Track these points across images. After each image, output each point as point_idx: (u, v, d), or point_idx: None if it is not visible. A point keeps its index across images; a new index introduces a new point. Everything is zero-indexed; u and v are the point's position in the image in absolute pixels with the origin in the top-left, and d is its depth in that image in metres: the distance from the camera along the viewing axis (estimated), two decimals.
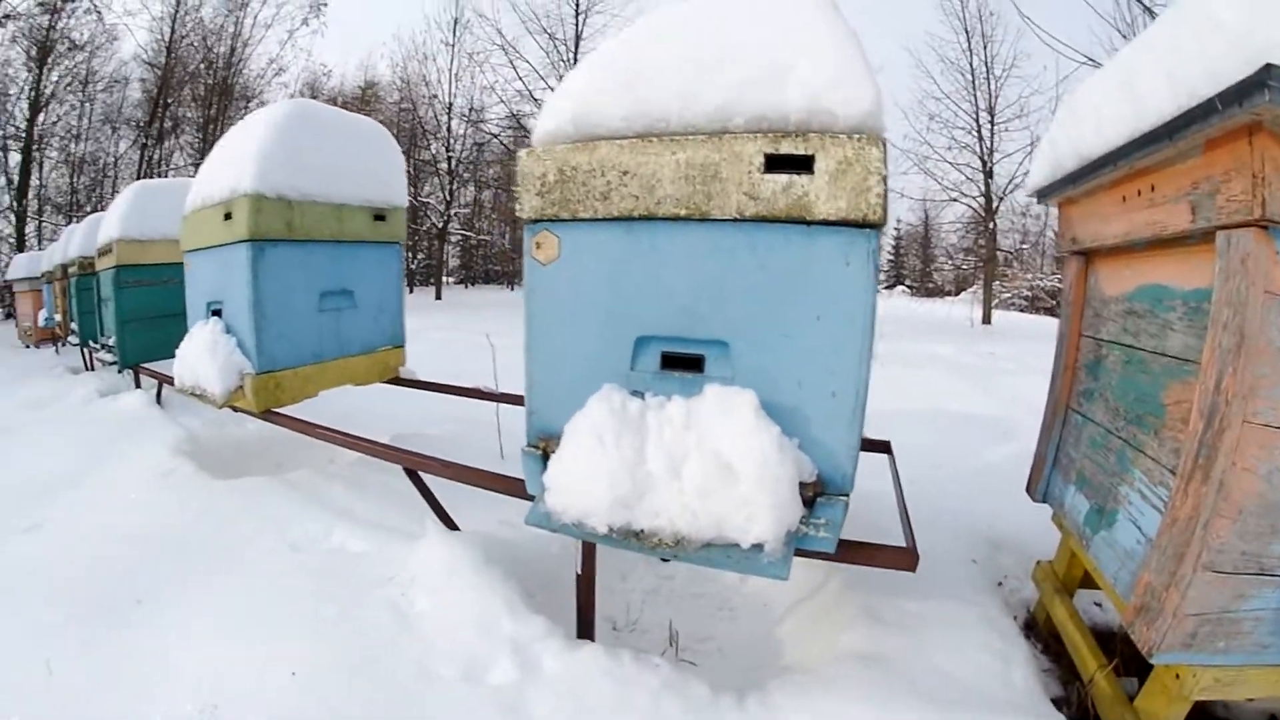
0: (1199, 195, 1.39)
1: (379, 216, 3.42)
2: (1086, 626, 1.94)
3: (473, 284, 34.77)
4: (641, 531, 1.56)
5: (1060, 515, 2.09)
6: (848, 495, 1.55)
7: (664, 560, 1.67)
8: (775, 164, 1.48)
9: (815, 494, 1.53)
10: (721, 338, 1.59)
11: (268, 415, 3.09)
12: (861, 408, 1.52)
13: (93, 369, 7.31)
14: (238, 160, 2.97)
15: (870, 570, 2.03)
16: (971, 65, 18.17)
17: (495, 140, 24.85)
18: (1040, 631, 2.20)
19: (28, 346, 11.24)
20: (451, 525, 2.52)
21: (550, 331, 1.75)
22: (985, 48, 18.00)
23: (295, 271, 3.05)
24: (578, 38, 20.54)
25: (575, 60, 20.37)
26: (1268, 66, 1.11)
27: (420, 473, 2.49)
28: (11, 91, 19.51)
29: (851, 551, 1.65)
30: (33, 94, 19.37)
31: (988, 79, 17.97)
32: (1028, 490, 2.29)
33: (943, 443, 4.19)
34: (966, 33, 18.22)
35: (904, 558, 1.65)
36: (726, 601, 2.48)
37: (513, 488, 2.11)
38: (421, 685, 1.80)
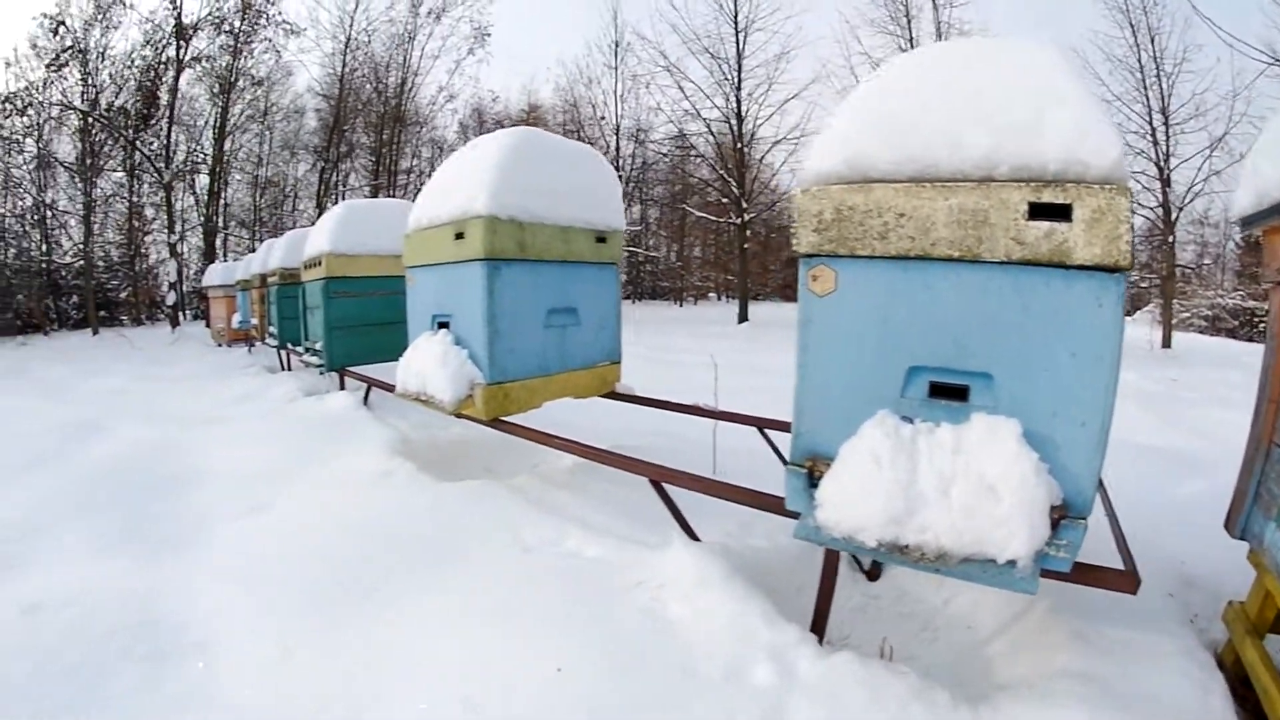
0: None
1: (600, 238, 3.57)
2: (1278, 670, 1.88)
3: (640, 300, 35.26)
4: (907, 546, 1.67)
5: (1259, 552, 2.02)
6: (1086, 519, 1.63)
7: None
8: (1037, 211, 1.58)
9: (1060, 516, 1.61)
10: (986, 370, 1.70)
11: (496, 423, 3.25)
12: (1105, 437, 1.61)
13: (289, 369, 7.89)
14: (469, 183, 3.15)
15: (1072, 599, 2.13)
16: (1140, 62, 16.44)
17: (663, 159, 25.21)
18: (1228, 674, 2.12)
19: (219, 345, 12.33)
20: (693, 536, 2.59)
21: (823, 359, 1.87)
22: (1153, 41, 16.27)
23: (525, 289, 3.22)
24: (739, 55, 20.46)
25: (739, 79, 20.40)
26: None
27: (664, 484, 2.58)
28: (199, 123, 21.38)
29: (1081, 573, 1.72)
30: (218, 124, 21.12)
31: (1158, 76, 16.19)
32: (1225, 526, 2.23)
33: (1128, 475, 4.03)
34: (1132, 26, 16.53)
35: (1126, 581, 1.72)
36: (930, 622, 2.50)
37: (764, 503, 2.22)
38: (686, 684, 1.89)
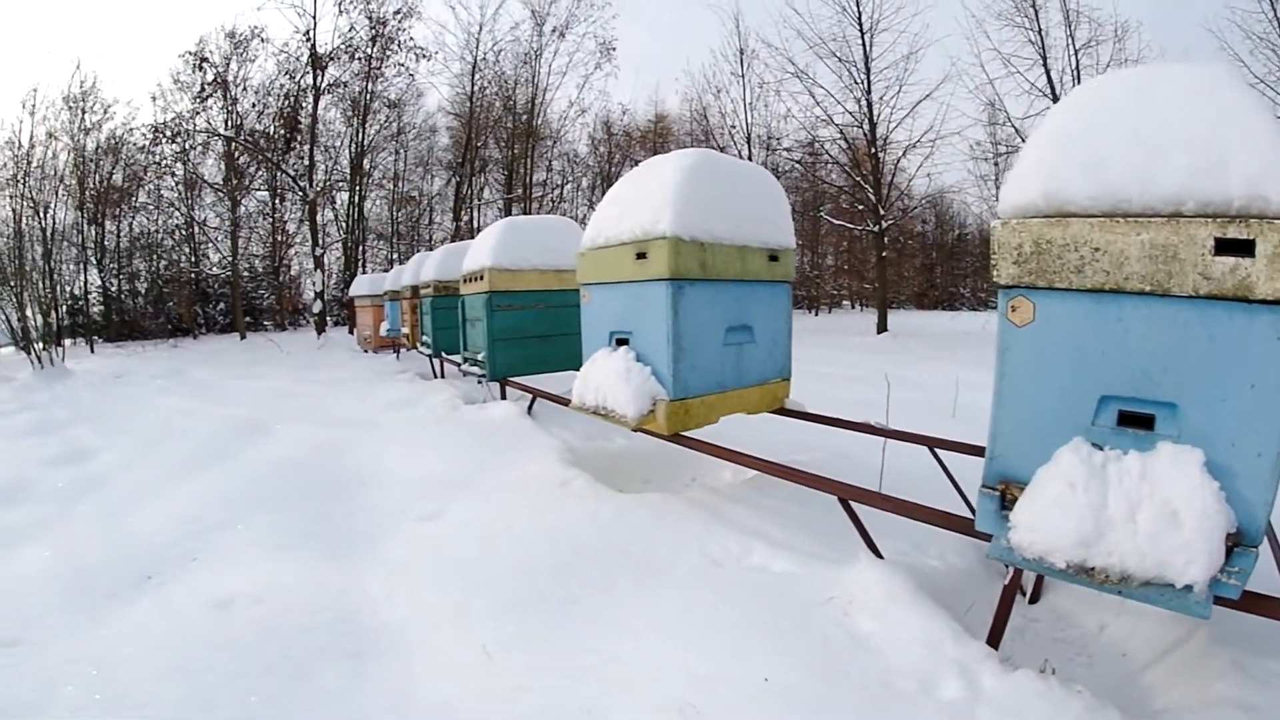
0: None
1: (773, 257, 3.65)
2: None
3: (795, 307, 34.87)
4: (1094, 569, 1.77)
5: None
6: (1258, 547, 1.69)
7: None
8: (1222, 247, 1.66)
9: (1234, 544, 1.68)
10: (1171, 400, 1.78)
11: (677, 438, 3.37)
12: None
13: (442, 376, 8.33)
14: (649, 204, 3.28)
15: (1232, 629, 2.15)
16: None
17: (796, 165, 24.97)
18: None
19: (365, 351, 13.07)
20: (878, 553, 2.66)
21: (1020, 387, 1.98)
22: None
23: (706, 308, 3.31)
24: (866, 57, 20.08)
25: (869, 82, 20.04)
26: None
27: (852, 502, 2.65)
28: (337, 145, 22.77)
29: (1249, 601, 1.77)
30: (355, 146, 22.50)
31: None
32: None
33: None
34: None
35: None
36: (1085, 647, 2.53)
37: (954, 523, 2.31)
38: (884, 696, 1.99)
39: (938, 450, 3.27)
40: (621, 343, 3.55)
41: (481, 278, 5.72)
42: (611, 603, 2.55)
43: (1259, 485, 1.68)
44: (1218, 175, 1.68)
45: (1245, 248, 1.64)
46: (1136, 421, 1.85)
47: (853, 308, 36.76)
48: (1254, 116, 1.72)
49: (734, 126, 25.07)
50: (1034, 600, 2.75)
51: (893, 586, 2.41)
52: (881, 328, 19.59)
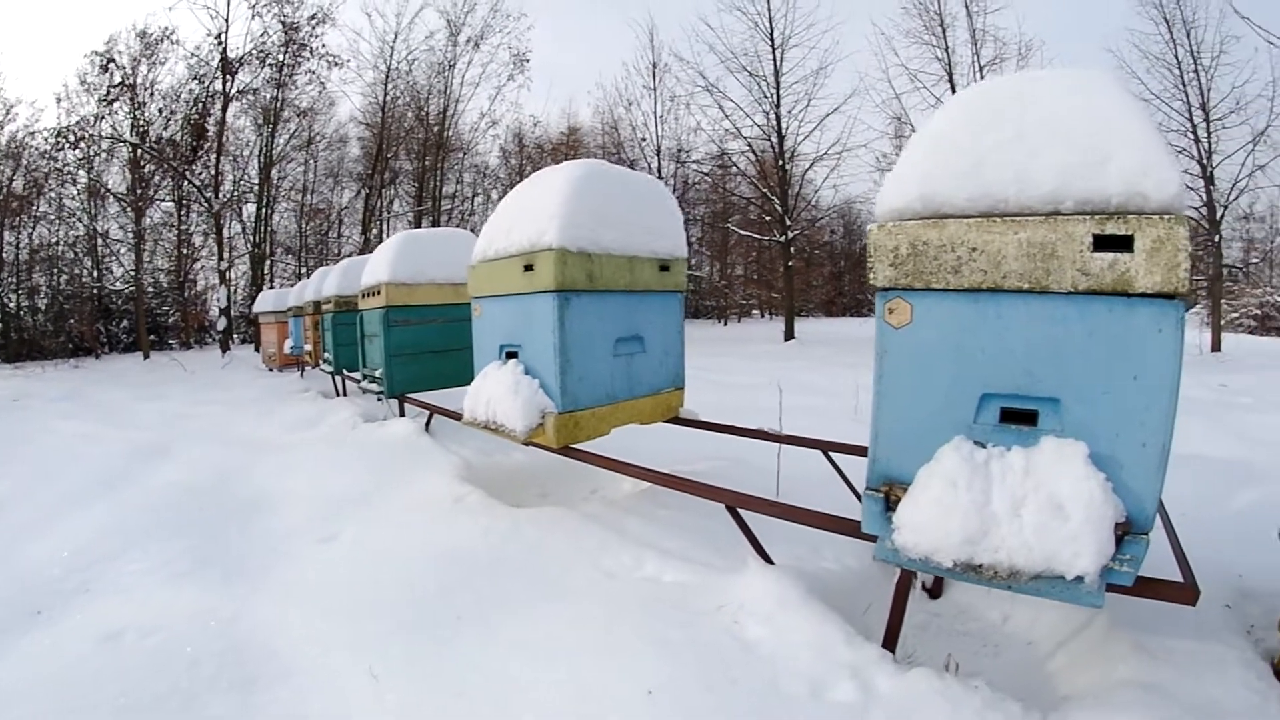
0: None
1: (664, 267, 3.64)
2: None
3: (685, 318, 35.27)
4: (981, 566, 1.76)
5: None
6: (1148, 534, 1.71)
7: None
8: (1101, 243, 1.67)
9: (1124, 533, 1.70)
10: (1054, 395, 1.78)
11: (566, 451, 3.32)
12: (1166, 457, 1.69)
13: (344, 395, 8.07)
14: (537, 215, 3.23)
15: (1131, 612, 2.19)
16: (1177, 57, 16.20)
17: (705, 178, 25.36)
18: None
19: (270, 370, 12.61)
20: (768, 559, 2.65)
21: (900, 389, 1.96)
22: (1189, 35, 16.04)
23: (594, 319, 3.29)
24: (777, 73, 20.62)
25: (778, 96, 20.56)
26: None
27: (740, 510, 2.63)
28: (244, 154, 22.00)
29: (1142, 586, 1.79)
30: (264, 155, 21.73)
31: (1196, 72, 15.99)
32: None
33: (1183, 488, 3.99)
34: (1166, 22, 16.30)
35: (1186, 593, 1.80)
36: (989, 639, 2.56)
37: (841, 527, 2.29)
38: (773, 702, 1.98)
39: (831, 454, 3.32)
40: (511, 356, 3.50)
41: (378, 292, 5.57)
42: (502, 619, 2.53)
43: (1146, 474, 1.70)
44: (1096, 174, 1.69)
45: (1124, 243, 1.65)
46: (1019, 418, 1.85)
47: (762, 316, 37.51)
48: (1132, 117, 1.74)
49: (644, 139, 25.51)
50: (935, 595, 2.78)
51: (782, 592, 2.40)
52: (789, 335, 20.02)
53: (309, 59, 21.01)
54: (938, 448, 1.87)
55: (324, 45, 21.15)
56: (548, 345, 3.19)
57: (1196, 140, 15.95)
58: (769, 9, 20.82)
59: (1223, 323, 16.61)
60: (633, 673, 2.13)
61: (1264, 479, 4.03)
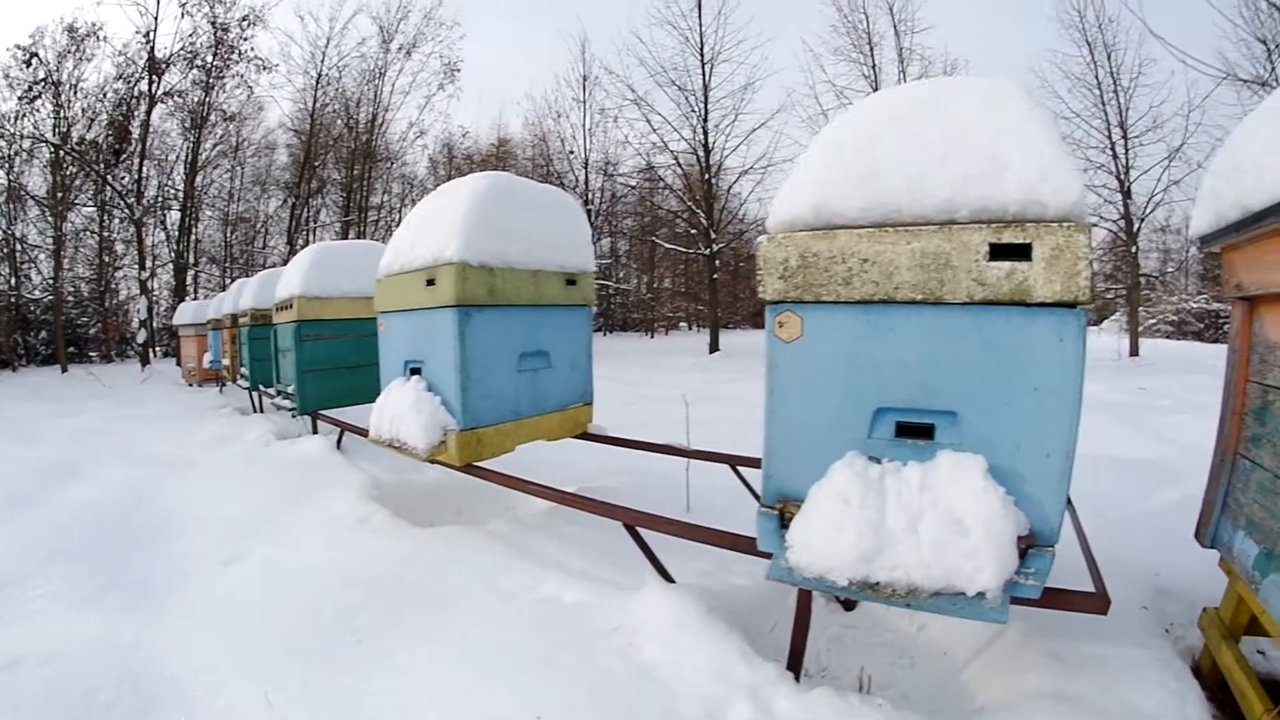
0: None
1: (570, 281, 3.57)
2: (1253, 671, 1.93)
3: (611, 331, 35.24)
4: (879, 584, 1.70)
5: (1229, 560, 2.07)
6: (1054, 546, 1.68)
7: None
8: (998, 252, 1.63)
9: (1028, 546, 1.66)
10: (951, 408, 1.74)
11: (469, 469, 3.23)
12: (1070, 467, 1.66)
13: (261, 411, 7.81)
14: (441, 229, 3.15)
15: (1048, 617, 2.14)
16: (1098, 78, 17.15)
17: (631, 191, 25.33)
18: (1205, 679, 2.19)
19: (190, 385, 12.16)
20: (668, 577, 2.61)
21: (791, 403, 1.89)
22: (1109, 58, 16.98)
23: (496, 335, 3.22)
24: (705, 88, 20.73)
25: (706, 111, 20.69)
26: None
27: (638, 528, 2.59)
28: (170, 158, 21.20)
29: (1051, 597, 1.76)
30: (189, 160, 20.96)
31: (1115, 92, 16.90)
32: (1196, 536, 2.27)
33: (1101, 490, 4.07)
34: (1089, 44, 17.26)
35: (1096, 602, 1.77)
36: (905, 650, 2.55)
37: (739, 544, 2.23)
38: None
39: (740, 468, 3.30)
40: (415, 372, 3.42)
41: (291, 306, 5.41)
42: (398, 643, 2.48)
43: (1049, 486, 1.67)
44: (993, 182, 1.65)
45: (1022, 252, 1.61)
46: (916, 432, 1.80)
47: (690, 329, 37.72)
48: (1033, 125, 1.70)
49: (572, 152, 25.40)
50: (850, 608, 2.74)
51: (680, 612, 2.34)
52: (714, 348, 20.07)
53: (238, 62, 20.45)
54: (831, 464, 1.81)
55: (253, 48, 20.65)
56: (449, 361, 3.11)
57: (1115, 157, 16.83)
58: (700, 24, 20.98)
59: (1141, 329, 17.46)
60: (524, 697, 2.08)
61: (1181, 478, 4.09)
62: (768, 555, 2.00)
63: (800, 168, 1.93)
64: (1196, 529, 2.27)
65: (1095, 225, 17.65)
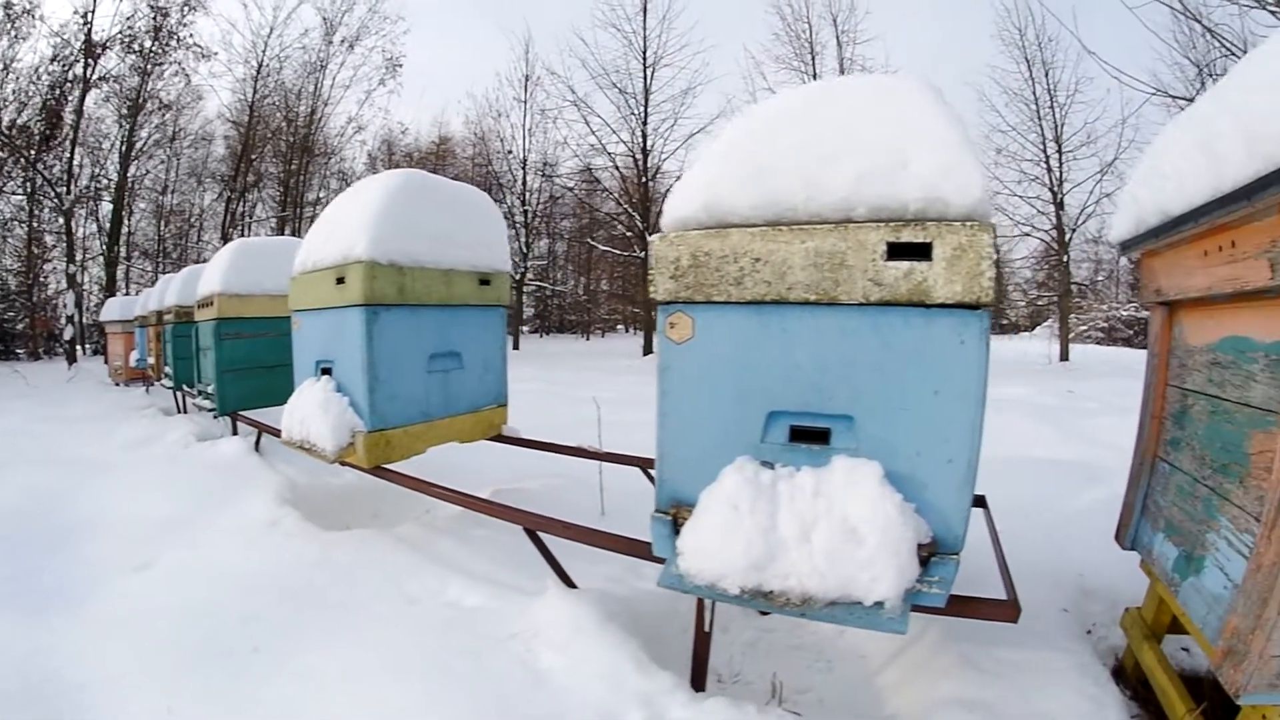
0: (1277, 253, 1.41)
1: (484, 281, 3.52)
2: (1175, 671, 1.94)
3: (548, 333, 35.17)
4: (771, 592, 1.65)
5: (1149, 562, 2.08)
6: (959, 554, 1.63)
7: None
8: (896, 251, 1.58)
9: (930, 554, 1.62)
10: (847, 412, 1.68)
11: (377, 471, 3.17)
12: (973, 474, 1.61)
13: (185, 412, 7.57)
14: (351, 226, 3.08)
15: (967, 621, 2.09)
16: (1035, 94, 18.00)
17: (569, 193, 25.27)
18: (1129, 678, 2.20)
19: (117, 384, 11.73)
20: (569, 583, 2.58)
21: (683, 406, 1.84)
22: (1047, 75, 17.82)
23: (406, 335, 3.16)
24: (646, 91, 20.88)
25: (646, 114, 20.83)
26: None
27: (540, 533, 2.55)
28: (104, 146, 20.47)
29: (959, 606, 1.71)
30: (123, 149, 20.28)
31: (1052, 108, 17.73)
32: (1116, 538, 2.29)
33: (1028, 491, 4.11)
34: (1027, 61, 18.07)
35: (1007, 611, 1.72)
36: (823, 653, 2.52)
37: (636, 549, 2.18)
38: None
39: (651, 470, 3.23)
40: (326, 372, 3.34)
41: (211, 304, 5.27)
42: (300, 650, 2.42)
43: (951, 493, 1.62)
44: (892, 179, 1.60)
45: (921, 251, 1.56)
46: (810, 436, 1.75)
47: (626, 331, 37.89)
48: (937, 122, 1.66)
49: (511, 152, 25.19)
50: (766, 611, 2.67)
51: (578, 617, 2.31)
52: (648, 350, 20.22)
53: (177, 48, 19.87)
54: (722, 469, 1.76)
55: (193, 35, 20.10)
56: (357, 361, 3.04)
57: (1049, 170, 17.67)
58: (644, 28, 21.14)
59: (1073, 335, 18.14)
60: (414, 705, 2.04)
61: (1107, 479, 4.10)
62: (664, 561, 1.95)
63: (695, 166, 1.88)
64: (1117, 531, 2.29)
65: (1028, 235, 18.44)
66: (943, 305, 1.56)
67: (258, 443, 5.17)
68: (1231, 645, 1.42)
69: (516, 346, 24.49)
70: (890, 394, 1.64)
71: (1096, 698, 1.92)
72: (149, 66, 19.59)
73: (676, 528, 1.84)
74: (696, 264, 1.76)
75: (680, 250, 1.78)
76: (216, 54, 21.28)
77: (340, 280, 3.07)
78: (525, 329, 35.06)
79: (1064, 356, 16.53)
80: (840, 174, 1.64)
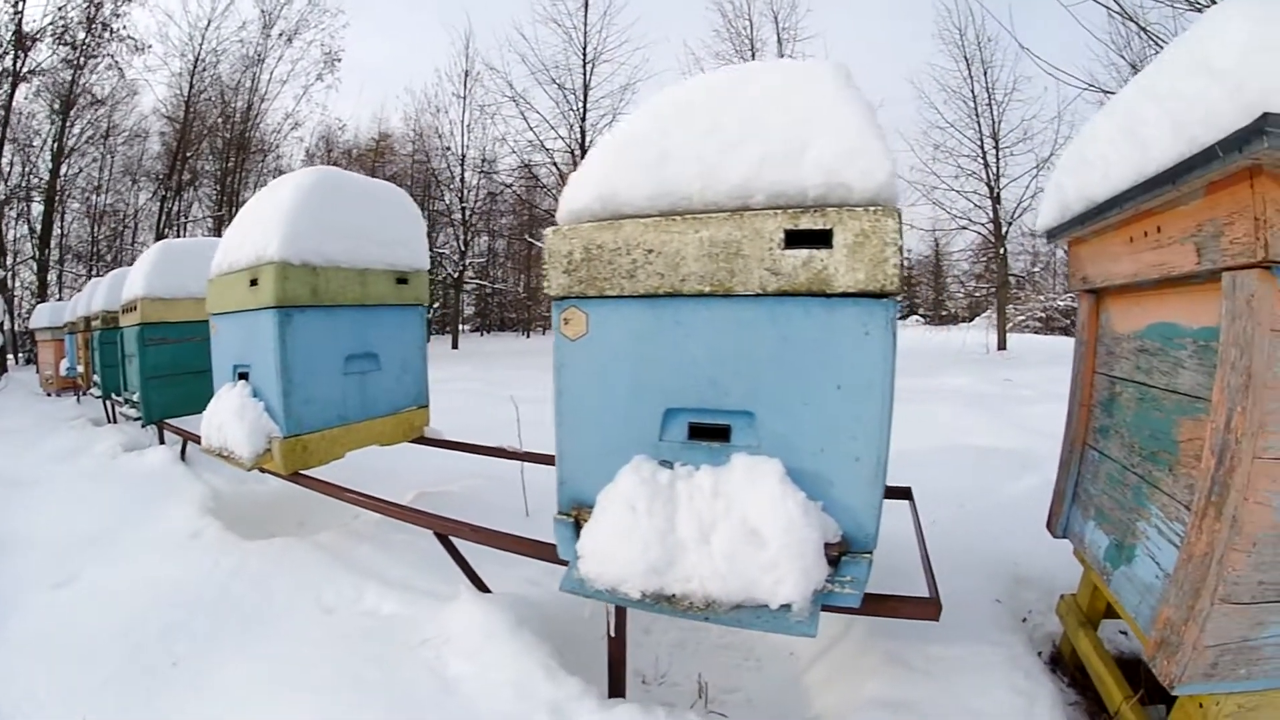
0: (1203, 237, 1.40)
1: (401, 279, 3.47)
2: (1111, 657, 1.94)
3: (489, 331, 34.93)
4: (673, 596, 1.59)
5: (1081, 550, 2.08)
6: (871, 553, 1.59)
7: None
8: (795, 239, 1.53)
9: (840, 553, 1.57)
10: (747, 408, 1.63)
11: (295, 477, 3.11)
12: (883, 470, 1.56)
13: (115, 421, 7.36)
14: (264, 227, 3.02)
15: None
16: (973, 92, 18.36)
17: (508, 190, 25.04)
18: (1066, 665, 2.20)
19: (49, 394, 11.37)
20: (482, 587, 2.54)
21: (580, 404, 1.79)
22: (985, 74, 18.20)
23: (321, 336, 3.10)
24: (585, 87, 20.86)
25: (585, 110, 20.79)
26: (1265, 115, 1.14)
27: (451, 537, 2.52)
28: (35, 143, 19.76)
29: (876, 605, 1.68)
30: (55, 146, 19.59)
31: (990, 105, 18.13)
32: (1048, 527, 2.29)
33: (964, 480, 4.13)
34: (966, 60, 18.43)
35: (928, 609, 1.69)
36: (752, 652, 2.49)
37: (543, 552, 2.13)
38: None
39: None
40: (244, 377, 3.27)
41: (134, 308, 5.13)
42: (215, 663, 2.39)
43: (860, 490, 1.57)
44: (792, 164, 1.55)
45: (821, 239, 1.50)
46: (710, 434, 1.69)
47: None
48: (842, 105, 1.61)
49: (449, 148, 24.95)
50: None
51: (489, 623, 2.27)
52: None
53: (111, 40, 19.19)
54: (620, 468, 1.70)
55: (127, 26, 19.45)
56: (271, 365, 2.98)
57: (986, 165, 18.07)
58: (585, 23, 21.13)
59: (1012, 325, 18.59)
60: (327, 716, 2.00)
61: (1042, 466, 4.10)
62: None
63: (592, 156, 1.83)
64: (1048, 520, 2.29)
65: (965, 229, 18.82)
66: (845, 294, 1.50)
67: (183, 451, 5.05)
68: (1164, 636, 1.41)
69: (456, 346, 24.29)
70: (791, 389, 1.58)
71: (1027, 692, 1.90)
72: (82, 59, 18.87)
73: (579, 530, 1.79)
74: (589, 257, 1.71)
75: (573, 243, 1.73)
76: (151, 47, 20.71)
77: (254, 282, 3.00)
78: (465, 328, 34.90)
79: (1002, 346, 16.94)
80: (739, 161, 1.59)
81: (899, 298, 1.52)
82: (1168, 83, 1.49)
